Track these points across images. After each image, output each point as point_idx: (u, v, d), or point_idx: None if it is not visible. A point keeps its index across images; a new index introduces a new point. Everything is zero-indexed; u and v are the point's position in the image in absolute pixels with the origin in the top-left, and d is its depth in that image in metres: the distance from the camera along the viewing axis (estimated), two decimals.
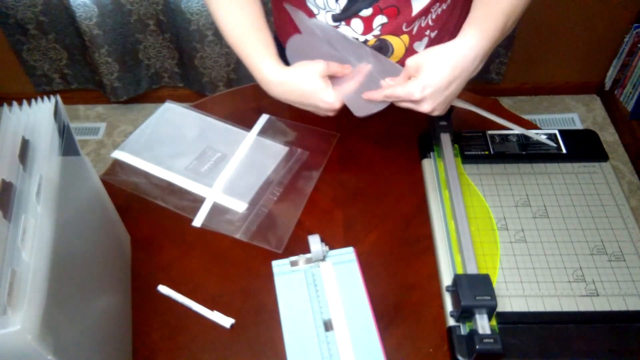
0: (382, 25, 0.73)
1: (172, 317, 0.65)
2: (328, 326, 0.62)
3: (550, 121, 1.89)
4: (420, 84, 0.61)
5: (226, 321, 0.63)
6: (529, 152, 0.78)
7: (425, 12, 0.72)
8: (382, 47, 0.77)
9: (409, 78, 0.64)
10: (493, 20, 0.62)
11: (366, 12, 0.71)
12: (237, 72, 1.86)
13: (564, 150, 0.78)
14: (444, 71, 0.61)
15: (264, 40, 0.70)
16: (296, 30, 0.86)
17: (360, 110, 0.71)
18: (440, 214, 0.71)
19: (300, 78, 0.67)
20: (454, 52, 0.61)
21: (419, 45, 0.78)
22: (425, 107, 0.63)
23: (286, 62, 0.73)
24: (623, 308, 0.61)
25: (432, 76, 0.61)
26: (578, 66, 1.88)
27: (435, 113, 0.65)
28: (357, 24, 0.74)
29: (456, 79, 0.62)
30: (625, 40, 1.75)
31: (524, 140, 0.79)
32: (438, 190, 0.74)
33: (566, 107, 1.94)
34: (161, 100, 0.96)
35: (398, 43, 0.76)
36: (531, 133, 0.77)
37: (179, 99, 0.96)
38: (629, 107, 1.77)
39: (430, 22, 0.75)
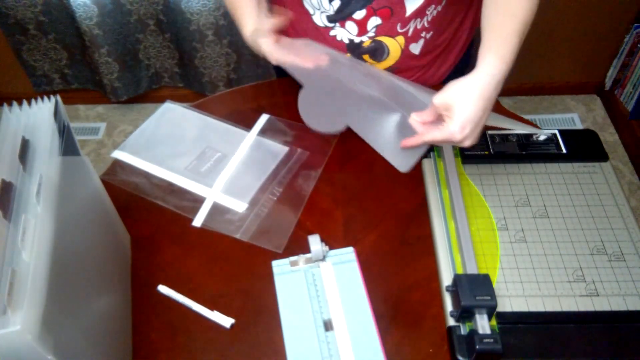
0: (377, 26, 0.73)
1: (172, 317, 0.65)
2: (328, 326, 0.62)
3: (550, 121, 1.89)
4: (459, 124, 0.60)
5: (226, 321, 0.63)
6: (529, 152, 0.78)
7: (419, 13, 0.72)
8: (377, 49, 0.77)
9: (437, 114, 0.63)
10: (509, 43, 0.62)
11: (360, 13, 0.72)
12: (237, 72, 1.86)
13: (564, 150, 0.78)
14: (476, 105, 0.60)
15: (249, 6, 0.75)
16: (292, 29, 0.86)
17: (404, 164, 0.68)
18: (440, 214, 0.71)
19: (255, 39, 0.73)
20: (479, 83, 0.60)
21: (415, 47, 0.78)
22: (467, 143, 0.62)
23: None
24: (623, 308, 0.61)
25: (466, 113, 0.60)
26: (578, 66, 1.88)
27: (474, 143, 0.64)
28: (351, 26, 0.74)
29: (487, 109, 0.61)
30: (625, 40, 1.75)
31: (524, 140, 0.79)
32: (438, 190, 0.74)
33: (566, 107, 1.94)
34: (161, 100, 0.96)
35: (393, 44, 0.76)
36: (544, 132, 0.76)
37: (179, 99, 0.96)
38: (629, 107, 1.77)
39: (425, 24, 0.75)
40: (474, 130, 0.61)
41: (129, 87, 1.90)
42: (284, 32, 0.88)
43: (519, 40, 0.63)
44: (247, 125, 0.86)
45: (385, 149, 0.69)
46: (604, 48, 1.81)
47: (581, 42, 1.79)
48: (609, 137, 1.83)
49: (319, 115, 0.71)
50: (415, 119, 0.64)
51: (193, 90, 1.94)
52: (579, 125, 1.86)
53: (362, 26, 0.73)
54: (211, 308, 0.65)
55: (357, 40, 0.76)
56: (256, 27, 0.72)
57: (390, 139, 0.69)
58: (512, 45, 0.62)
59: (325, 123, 0.74)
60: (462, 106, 0.60)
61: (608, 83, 1.88)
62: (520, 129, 0.76)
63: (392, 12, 0.71)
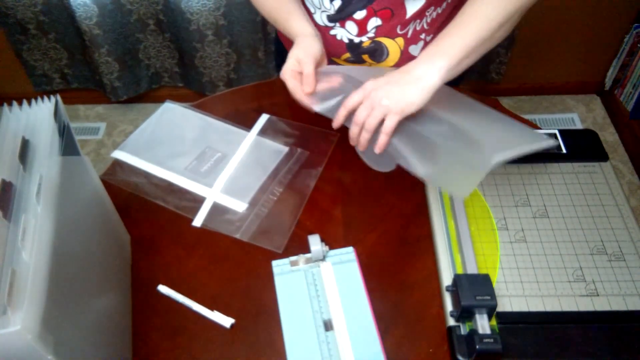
0: (377, 27, 0.73)
1: (172, 317, 0.65)
2: (328, 326, 0.62)
3: (550, 121, 1.89)
4: (371, 81, 0.64)
5: (226, 321, 0.64)
6: None
7: (419, 15, 0.72)
8: (376, 49, 0.77)
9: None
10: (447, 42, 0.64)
11: (360, 14, 0.72)
12: (237, 72, 1.86)
13: (564, 150, 0.78)
14: (391, 73, 0.64)
15: (292, 13, 0.74)
16: None
17: (463, 189, 0.63)
18: (440, 214, 0.71)
19: (294, 50, 0.70)
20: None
21: (415, 49, 0.78)
22: (378, 95, 0.63)
23: (284, 57, 0.74)
24: (623, 308, 0.61)
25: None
26: (578, 66, 1.88)
27: (387, 102, 0.63)
28: (351, 26, 0.74)
29: (401, 78, 0.63)
30: (625, 40, 1.75)
31: None
32: (438, 190, 0.74)
33: (566, 107, 1.94)
34: (161, 100, 0.96)
35: (393, 46, 0.76)
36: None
37: (179, 98, 0.96)
38: (629, 107, 1.77)
39: (425, 26, 0.75)
40: (387, 88, 0.63)
41: (128, 87, 1.90)
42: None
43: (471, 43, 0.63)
44: (247, 125, 0.86)
45: (439, 177, 0.65)
46: (604, 48, 1.81)
47: (581, 42, 1.79)
48: (609, 137, 1.83)
49: (375, 156, 0.69)
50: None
51: (193, 90, 1.94)
52: (579, 125, 1.86)
53: (362, 26, 0.73)
54: (211, 308, 0.65)
55: (356, 40, 0.76)
56: (298, 57, 0.70)
57: (442, 163, 0.64)
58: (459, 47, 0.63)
59: (381, 163, 0.74)
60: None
61: (608, 83, 1.88)
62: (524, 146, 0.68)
63: (393, 14, 0.71)
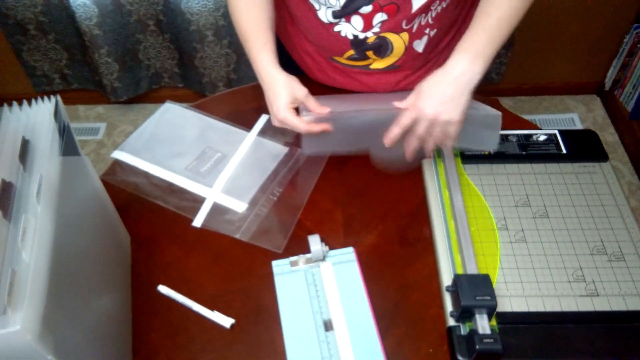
0: (382, 22, 0.73)
1: (172, 317, 0.65)
2: (328, 326, 0.62)
3: (550, 121, 1.89)
4: (425, 100, 0.67)
5: (226, 321, 0.64)
6: (529, 152, 0.78)
7: (425, 9, 0.72)
8: (381, 45, 0.77)
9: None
10: (478, 40, 0.67)
11: (366, 9, 0.72)
12: (237, 72, 1.86)
13: (564, 150, 0.78)
14: (443, 87, 0.67)
15: (265, 38, 0.76)
16: (294, 27, 0.86)
17: (490, 144, 0.76)
18: (440, 214, 0.71)
19: (282, 83, 0.72)
20: (445, 74, 0.68)
21: (419, 44, 0.78)
22: (442, 118, 0.67)
23: (285, 59, 0.74)
24: (623, 308, 0.61)
25: (433, 92, 0.67)
26: (578, 66, 1.88)
27: (443, 117, 0.67)
28: (357, 20, 0.74)
29: (457, 96, 0.66)
30: (625, 40, 1.75)
31: (524, 141, 0.79)
32: (438, 190, 0.74)
33: (566, 107, 1.94)
34: (161, 100, 0.96)
35: (398, 41, 0.76)
36: None
37: (179, 99, 0.96)
38: (629, 107, 1.77)
39: (430, 21, 0.75)
40: (444, 109, 0.66)
41: (128, 87, 1.90)
42: (285, 25, 0.88)
43: (492, 37, 0.68)
44: (247, 125, 0.86)
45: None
46: (604, 48, 1.81)
47: (581, 42, 1.79)
48: (609, 137, 1.83)
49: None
50: (397, 104, 0.71)
51: (193, 90, 1.94)
52: (579, 126, 1.86)
53: (367, 21, 0.73)
54: (211, 308, 0.65)
55: (361, 36, 0.76)
56: (280, 98, 0.72)
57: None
58: (481, 42, 0.67)
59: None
60: (430, 87, 0.68)
61: (608, 83, 1.88)
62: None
63: (399, 9, 0.71)
